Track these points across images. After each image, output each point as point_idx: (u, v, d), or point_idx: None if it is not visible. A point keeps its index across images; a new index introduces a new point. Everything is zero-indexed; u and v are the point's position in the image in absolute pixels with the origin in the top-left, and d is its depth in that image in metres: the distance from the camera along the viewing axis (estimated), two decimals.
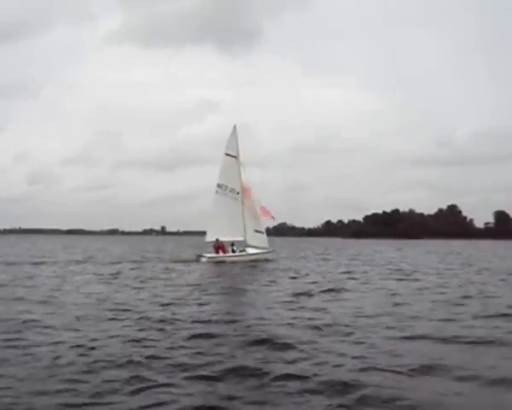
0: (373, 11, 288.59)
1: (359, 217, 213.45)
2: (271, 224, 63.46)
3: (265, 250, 36.75)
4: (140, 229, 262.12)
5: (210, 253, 34.30)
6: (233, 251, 34.82)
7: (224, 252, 34.18)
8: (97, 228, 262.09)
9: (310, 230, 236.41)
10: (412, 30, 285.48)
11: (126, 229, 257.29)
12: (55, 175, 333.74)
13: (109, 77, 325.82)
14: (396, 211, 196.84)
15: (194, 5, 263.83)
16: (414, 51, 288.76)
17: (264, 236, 37.10)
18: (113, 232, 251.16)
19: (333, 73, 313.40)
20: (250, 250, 35.50)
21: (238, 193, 35.87)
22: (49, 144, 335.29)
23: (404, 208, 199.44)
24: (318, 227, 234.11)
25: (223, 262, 32.97)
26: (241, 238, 35.49)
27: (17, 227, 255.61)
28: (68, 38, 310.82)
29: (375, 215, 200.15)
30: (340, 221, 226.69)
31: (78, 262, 33.11)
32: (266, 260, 35.33)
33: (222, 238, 34.46)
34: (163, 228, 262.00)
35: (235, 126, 36.84)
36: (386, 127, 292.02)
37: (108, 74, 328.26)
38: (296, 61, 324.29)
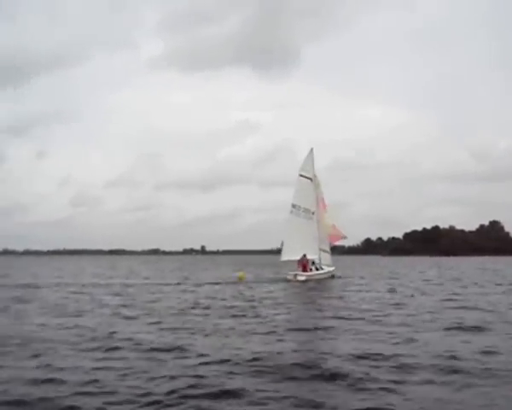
0: (404, 30, 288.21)
1: (399, 234, 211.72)
2: None
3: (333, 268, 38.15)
4: (180, 248, 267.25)
5: (296, 270, 34.90)
6: (316, 269, 35.84)
7: (307, 270, 35.02)
8: (139, 248, 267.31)
9: (349, 248, 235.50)
10: (446, 45, 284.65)
11: (167, 249, 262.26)
12: (98, 197, 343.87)
13: (150, 101, 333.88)
14: (436, 228, 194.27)
15: (233, 30, 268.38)
16: (449, 67, 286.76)
17: (329, 255, 38.43)
18: (154, 252, 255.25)
19: (367, 91, 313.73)
20: (325, 268, 36.78)
21: (313, 213, 36.89)
22: (92, 168, 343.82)
23: (443, 225, 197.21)
24: (358, 245, 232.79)
25: (313, 280, 34.05)
26: (315, 256, 36.48)
27: (61, 248, 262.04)
28: (111, 65, 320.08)
29: (414, 232, 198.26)
30: (379, 239, 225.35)
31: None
32: (333, 277, 37.11)
33: (295, 257, 35.50)
34: (203, 247, 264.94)
35: (311, 149, 38.05)
36: (422, 143, 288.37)
37: (149, 98, 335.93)
38: (331, 82, 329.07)
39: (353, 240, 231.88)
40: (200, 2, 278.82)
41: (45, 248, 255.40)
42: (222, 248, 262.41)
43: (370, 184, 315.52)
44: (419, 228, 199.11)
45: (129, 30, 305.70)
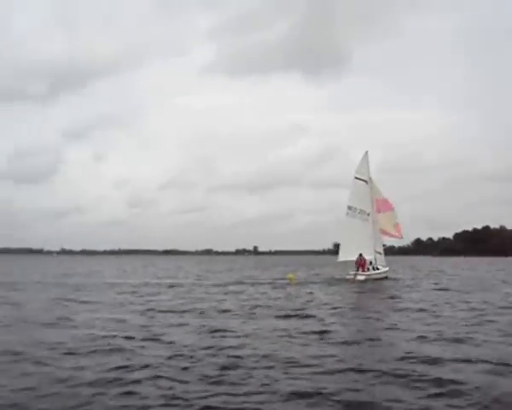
0: (453, 31, 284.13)
1: (449, 234, 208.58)
2: None
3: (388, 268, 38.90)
4: (233, 249, 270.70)
5: (353, 271, 35.94)
6: (373, 269, 36.73)
7: (364, 269, 35.94)
8: (192, 248, 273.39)
9: (400, 248, 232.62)
10: (494, 46, 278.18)
11: (220, 249, 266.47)
12: (153, 199, 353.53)
13: (203, 105, 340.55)
14: (486, 228, 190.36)
15: (282, 34, 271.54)
16: (499, 67, 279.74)
17: (383, 256, 39.11)
18: (207, 252, 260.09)
19: (416, 93, 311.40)
20: (381, 268, 37.67)
21: (368, 214, 37.74)
22: (147, 170, 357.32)
23: (494, 225, 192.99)
24: (408, 245, 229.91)
25: (371, 279, 34.97)
26: (371, 257, 37.31)
27: (116, 248, 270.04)
28: (165, 70, 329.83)
29: (465, 232, 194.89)
30: (429, 239, 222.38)
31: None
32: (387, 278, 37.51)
33: (352, 258, 36.44)
34: (255, 248, 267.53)
35: (366, 152, 38.88)
36: (471, 144, 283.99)
37: (202, 102, 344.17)
38: (380, 84, 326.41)
39: (403, 240, 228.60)
40: (250, 8, 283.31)
41: (101, 248, 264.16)
42: (274, 248, 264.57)
43: (420, 185, 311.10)
44: (469, 228, 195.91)
45: (183, 36, 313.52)
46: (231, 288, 30.00)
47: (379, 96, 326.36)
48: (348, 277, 35.71)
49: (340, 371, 9.18)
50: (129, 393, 7.81)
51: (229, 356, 10.31)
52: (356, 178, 38.34)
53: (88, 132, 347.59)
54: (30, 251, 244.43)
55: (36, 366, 9.51)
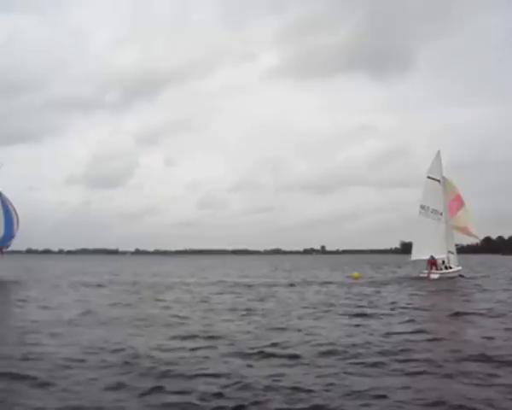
0: None
1: None
2: None
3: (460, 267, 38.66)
4: (301, 248, 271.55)
5: (425, 269, 36.53)
6: (446, 268, 36.89)
7: (437, 268, 36.31)
8: (260, 248, 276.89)
9: (469, 246, 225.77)
10: None
11: (288, 249, 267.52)
12: (223, 200, 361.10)
13: (270, 108, 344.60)
14: None
15: (346, 36, 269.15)
16: None
17: (455, 255, 38.99)
18: (276, 252, 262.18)
19: (482, 90, 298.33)
20: (454, 267, 37.70)
21: (441, 214, 37.96)
22: (217, 172, 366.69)
23: None
24: (477, 244, 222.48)
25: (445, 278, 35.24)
26: (444, 256, 37.39)
27: (187, 248, 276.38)
28: (232, 76, 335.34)
29: None
30: (499, 237, 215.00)
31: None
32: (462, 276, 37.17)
33: (425, 257, 36.83)
34: (323, 247, 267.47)
35: (438, 152, 39.02)
36: None
37: (269, 106, 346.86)
38: (447, 82, 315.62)
39: (472, 239, 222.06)
40: (314, 12, 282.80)
41: (173, 249, 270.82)
42: (341, 247, 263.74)
43: (489, 183, 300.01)
44: None
45: (249, 42, 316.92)
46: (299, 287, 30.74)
47: (445, 94, 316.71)
48: (422, 275, 36.18)
49: None
50: None
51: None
52: (428, 177, 38.59)
53: (160, 138, 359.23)
54: (105, 251, 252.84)
55: None
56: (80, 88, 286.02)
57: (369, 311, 18.02)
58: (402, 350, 11.08)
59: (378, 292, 26.33)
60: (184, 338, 12.72)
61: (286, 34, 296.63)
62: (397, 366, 9.72)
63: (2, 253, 40.09)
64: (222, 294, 26.26)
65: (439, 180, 38.31)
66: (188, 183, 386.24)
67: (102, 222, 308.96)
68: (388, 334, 13.22)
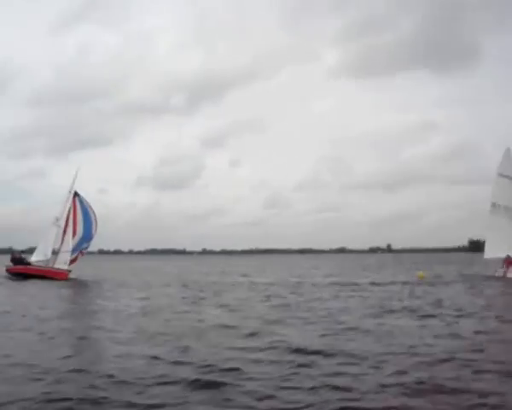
0: None
1: None
2: None
3: None
4: (366, 247, 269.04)
5: (502, 268, 36.11)
6: None
7: None
8: (326, 247, 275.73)
9: None
10: None
11: (353, 247, 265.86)
12: (288, 200, 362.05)
13: (334, 107, 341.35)
14: None
15: (407, 32, 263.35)
16: None
17: None
18: (341, 251, 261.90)
19: None
20: None
21: None
22: (282, 173, 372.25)
23: None
24: None
25: None
26: None
27: (253, 248, 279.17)
28: (295, 77, 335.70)
29: None
30: None
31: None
32: None
33: (499, 255, 36.44)
34: (389, 246, 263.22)
35: (508, 149, 38.78)
36: None
37: (333, 105, 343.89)
38: None
39: None
40: (373, 10, 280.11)
41: (239, 248, 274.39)
42: (408, 246, 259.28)
43: None
44: None
45: (311, 42, 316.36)
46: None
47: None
48: (497, 274, 35.83)
49: None
50: None
51: None
52: (499, 174, 38.70)
53: (225, 140, 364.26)
54: (173, 252, 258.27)
55: None
56: (147, 93, 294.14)
57: (436, 311, 17.57)
58: None
59: (446, 291, 25.77)
60: None
61: (347, 33, 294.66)
62: None
63: (82, 254, 41.14)
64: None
65: (510, 177, 38.34)
66: (253, 183, 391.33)
67: (170, 223, 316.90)
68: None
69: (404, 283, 32.38)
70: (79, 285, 34.83)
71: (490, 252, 37.95)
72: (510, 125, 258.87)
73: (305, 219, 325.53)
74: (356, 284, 31.79)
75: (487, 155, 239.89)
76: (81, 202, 40.05)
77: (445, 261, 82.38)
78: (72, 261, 39.38)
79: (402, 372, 9.06)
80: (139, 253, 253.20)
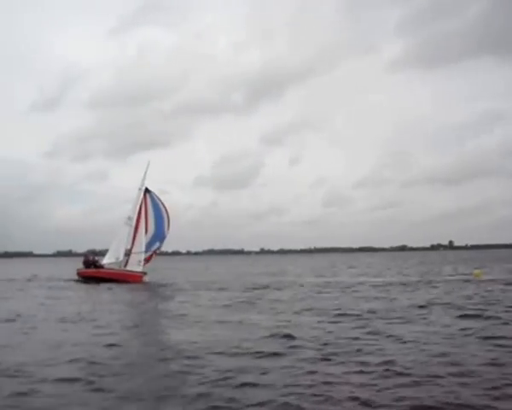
0: None
1: None
2: None
3: None
4: (427, 244, 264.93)
5: None
6: None
7: None
8: (386, 245, 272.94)
9: None
10: None
11: (414, 245, 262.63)
12: (348, 197, 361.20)
13: (394, 100, 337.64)
14: None
15: (469, 21, 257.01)
16: None
17: None
18: (402, 249, 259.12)
19: None
20: None
21: None
22: (342, 169, 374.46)
23: None
24: None
25: None
26: None
27: (312, 247, 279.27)
28: (355, 70, 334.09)
29: None
30: None
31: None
32: None
33: None
34: (450, 242, 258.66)
35: None
36: None
37: (394, 98, 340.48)
38: None
39: None
40: None
41: (298, 247, 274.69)
42: (470, 242, 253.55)
43: None
44: None
45: (371, 34, 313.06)
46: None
47: None
48: None
49: None
50: None
51: None
52: None
53: (285, 137, 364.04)
54: (231, 252, 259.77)
55: None
56: (206, 92, 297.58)
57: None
58: None
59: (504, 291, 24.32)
60: None
61: (408, 23, 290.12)
62: None
63: (156, 254, 39.02)
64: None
65: None
66: (312, 181, 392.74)
67: (228, 222, 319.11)
68: None
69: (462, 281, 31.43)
70: (162, 291, 30.61)
71: None
72: None
73: (365, 216, 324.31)
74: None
75: None
76: (152, 198, 38.26)
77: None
78: (146, 262, 37.64)
79: None
80: (197, 253, 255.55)
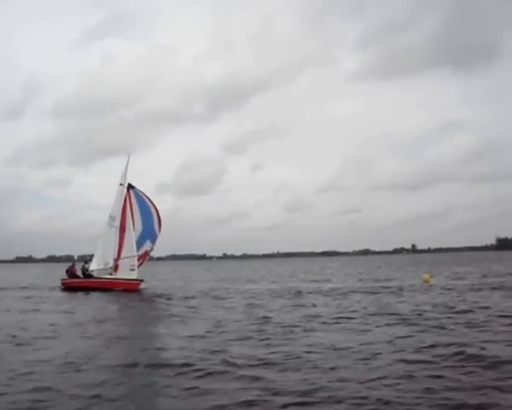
0: None
1: None
2: None
3: None
4: (391, 248, 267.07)
5: None
6: None
7: None
8: (349, 249, 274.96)
9: None
10: None
11: (377, 249, 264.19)
12: (311, 202, 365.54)
13: (354, 110, 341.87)
14: None
15: (427, 33, 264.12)
16: None
17: None
18: (365, 253, 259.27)
19: None
20: None
21: None
22: (304, 176, 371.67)
23: None
24: None
25: None
26: None
27: (275, 252, 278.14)
28: (315, 81, 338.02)
29: None
30: None
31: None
32: None
33: None
34: (413, 246, 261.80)
35: None
36: None
37: (354, 107, 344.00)
38: None
39: None
40: (393, 13, 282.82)
41: (260, 252, 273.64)
42: (433, 246, 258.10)
43: None
44: None
45: (331, 47, 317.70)
46: None
47: None
48: None
49: None
50: None
51: None
52: None
53: (247, 145, 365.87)
54: (193, 257, 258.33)
55: None
56: (169, 102, 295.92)
57: None
58: None
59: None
60: None
61: (367, 36, 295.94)
62: None
63: (148, 256, 35.28)
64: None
65: None
66: (274, 187, 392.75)
67: (191, 228, 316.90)
68: None
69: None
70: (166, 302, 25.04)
71: None
72: None
73: (328, 221, 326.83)
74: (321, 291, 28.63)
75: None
76: (137, 193, 34.55)
77: (475, 260, 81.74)
78: (139, 264, 33.45)
79: None
80: (159, 259, 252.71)
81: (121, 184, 34.59)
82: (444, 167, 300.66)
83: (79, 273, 34.14)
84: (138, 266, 32.87)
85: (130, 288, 31.31)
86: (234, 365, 10.17)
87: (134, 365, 10.37)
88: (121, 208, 33.93)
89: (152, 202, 34.81)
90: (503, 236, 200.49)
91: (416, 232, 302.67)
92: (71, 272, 34.42)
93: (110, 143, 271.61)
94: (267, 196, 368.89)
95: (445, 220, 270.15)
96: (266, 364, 10.21)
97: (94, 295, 29.11)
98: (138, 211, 34.09)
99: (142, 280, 32.35)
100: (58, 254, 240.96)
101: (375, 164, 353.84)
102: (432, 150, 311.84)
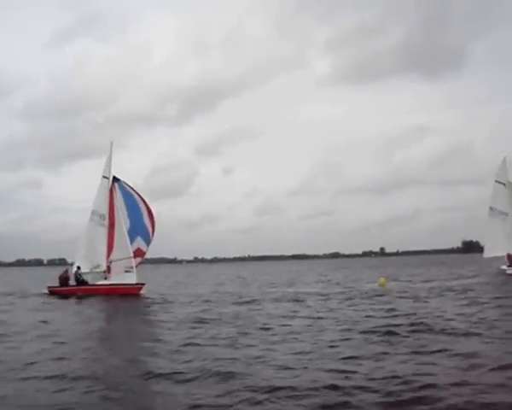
0: None
1: None
2: None
3: None
4: (360, 251, 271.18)
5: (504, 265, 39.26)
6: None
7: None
8: (319, 252, 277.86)
9: None
10: None
11: (346, 252, 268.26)
12: (281, 206, 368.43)
13: (325, 114, 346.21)
14: None
15: (395, 40, 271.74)
16: None
17: None
18: (335, 256, 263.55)
19: None
20: None
21: (507, 215, 41.52)
22: (275, 180, 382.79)
23: None
24: None
25: None
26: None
27: (246, 255, 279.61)
28: (287, 84, 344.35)
29: None
30: None
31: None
32: None
33: (498, 253, 40.12)
34: (382, 249, 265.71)
35: (504, 158, 42.53)
36: None
37: (324, 111, 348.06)
38: (501, 77, 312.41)
39: None
40: (365, 17, 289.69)
41: (231, 256, 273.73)
42: (401, 249, 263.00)
43: None
44: None
45: (302, 51, 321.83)
46: None
47: (499, 90, 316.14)
48: (509, 271, 37.78)
49: None
50: None
51: None
52: (496, 181, 42.26)
53: (219, 148, 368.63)
54: (165, 260, 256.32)
55: None
56: (141, 104, 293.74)
57: None
58: None
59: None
60: None
61: (337, 41, 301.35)
62: None
63: (143, 255, 33.25)
64: None
65: (504, 184, 41.97)
66: (246, 190, 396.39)
67: (162, 231, 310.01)
68: None
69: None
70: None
71: (488, 252, 41.94)
72: (498, 126, 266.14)
73: (298, 224, 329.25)
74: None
75: (478, 156, 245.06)
76: (123, 187, 31.92)
77: (443, 263, 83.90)
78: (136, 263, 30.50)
79: None
80: None
81: (105, 177, 32.04)
82: (412, 171, 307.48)
83: (72, 281, 31.21)
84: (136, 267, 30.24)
85: (131, 292, 28.75)
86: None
87: None
88: (107, 203, 31.36)
89: (140, 196, 32.53)
90: (468, 239, 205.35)
91: (384, 236, 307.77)
92: (63, 279, 31.33)
93: (81, 145, 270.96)
94: (239, 199, 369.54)
95: (413, 224, 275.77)
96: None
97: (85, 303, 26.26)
98: (124, 206, 31.57)
99: (143, 284, 29.69)
100: (27, 258, 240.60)
101: (345, 168, 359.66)
102: (400, 154, 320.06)
